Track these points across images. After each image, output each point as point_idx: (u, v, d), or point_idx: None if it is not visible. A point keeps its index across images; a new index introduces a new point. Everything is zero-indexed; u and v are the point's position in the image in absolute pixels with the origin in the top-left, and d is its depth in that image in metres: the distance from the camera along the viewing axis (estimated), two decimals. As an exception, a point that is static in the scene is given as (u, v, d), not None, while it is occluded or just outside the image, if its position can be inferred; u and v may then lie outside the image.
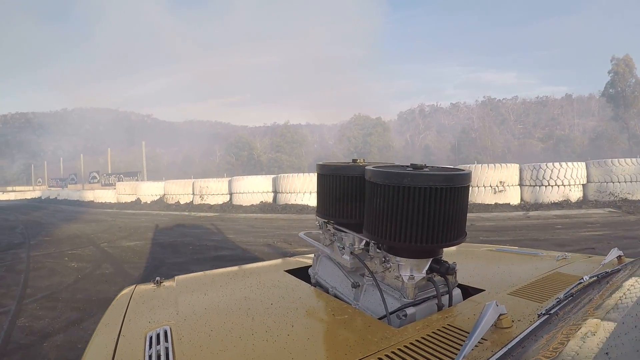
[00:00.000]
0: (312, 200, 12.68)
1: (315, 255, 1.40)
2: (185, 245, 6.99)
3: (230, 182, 15.38)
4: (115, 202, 20.36)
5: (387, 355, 0.73)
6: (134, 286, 1.39)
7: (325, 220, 1.30)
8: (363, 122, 47.02)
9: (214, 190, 15.53)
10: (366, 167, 1.07)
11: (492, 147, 42.47)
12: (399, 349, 0.75)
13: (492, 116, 53.23)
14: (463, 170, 1.00)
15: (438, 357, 0.70)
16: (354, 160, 1.24)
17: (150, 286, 1.38)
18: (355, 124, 47.93)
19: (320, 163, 1.28)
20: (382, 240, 1.01)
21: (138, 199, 18.59)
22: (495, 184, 11.08)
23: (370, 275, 1.07)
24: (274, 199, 14.30)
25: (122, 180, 23.92)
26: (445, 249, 1.06)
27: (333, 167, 1.23)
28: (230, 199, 15.09)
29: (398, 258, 1.01)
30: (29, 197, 35.08)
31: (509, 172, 11.13)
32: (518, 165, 11.36)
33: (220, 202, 15.13)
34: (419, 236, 0.94)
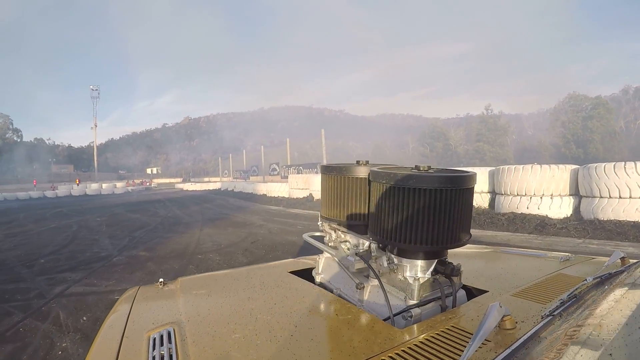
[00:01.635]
0: (554, 210, 7.72)
1: (319, 256, 1.40)
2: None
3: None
4: (287, 196, 17.08)
5: (390, 357, 0.73)
6: (137, 287, 1.39)
7: (330, 222, 1.30)
8: (580, 102, 38.71)
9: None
10: (371, 169, 1.08)
11: None
12: (403, 350, 0.75)
13: None
14: (468, 172, 1.01)
15: (442, 358, 0.71)
16: (358, 162, 1.25)
17: (153, 287, 1.38)
18: (570, 106, 39.51)
19: (325, 164, 1.29)
20: (387, 242, 1.02)
21: (310, 194, 15.39)
22: None
23: (375, 277, 1.07)
24: (492, 202, 9.01)
25: (301, 173, 21.07)
26: (449, 250, 1.06)
27: (337, 168, 1.23)
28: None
29: (403, 259, 1.02)
30: (211, 188, 34.44)
31: None
32: None
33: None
34: (424, 238, 0.94)
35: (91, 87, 67.74)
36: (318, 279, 1.37)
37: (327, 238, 1.34)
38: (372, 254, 1.12)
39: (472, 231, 1.06)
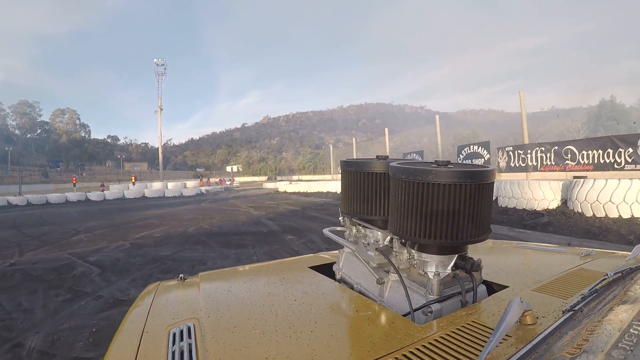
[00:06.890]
0: None
1: (339, 251, 1.42)
2: None
3: None
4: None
5: (411, 352, 0.74)
6: (158, 283, 1.41)
7: (350, 217, 1.32)
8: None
9: None
10: (390, 164, 1.08)
11: None
12: (424, 345, 0.76)
13: None
14: (487, 166, 1.00)
15: (462, 354, 0.71)
16: (378, 157, 1.26)
17: (174, 282, 1.40)
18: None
19: (345, 159, 1.30)
20: (407, 237, 1.03)
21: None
22: None
23: (395, 272, 1.08)
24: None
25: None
26: (469, 245, 1.06)
27: (358, 163, 1.24)
28: None
29: (423, 255, 1.03)
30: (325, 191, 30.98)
31: None
32: None
33: None
34: (444, 233, 0.95)
35: (155, 60, 52.86)
36: (339, 274, 1.39)
37: (348, 233, 1.36)
38: (392, 249, 1.13)
39: None
